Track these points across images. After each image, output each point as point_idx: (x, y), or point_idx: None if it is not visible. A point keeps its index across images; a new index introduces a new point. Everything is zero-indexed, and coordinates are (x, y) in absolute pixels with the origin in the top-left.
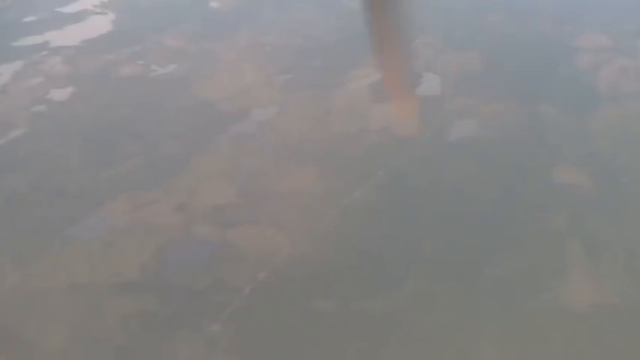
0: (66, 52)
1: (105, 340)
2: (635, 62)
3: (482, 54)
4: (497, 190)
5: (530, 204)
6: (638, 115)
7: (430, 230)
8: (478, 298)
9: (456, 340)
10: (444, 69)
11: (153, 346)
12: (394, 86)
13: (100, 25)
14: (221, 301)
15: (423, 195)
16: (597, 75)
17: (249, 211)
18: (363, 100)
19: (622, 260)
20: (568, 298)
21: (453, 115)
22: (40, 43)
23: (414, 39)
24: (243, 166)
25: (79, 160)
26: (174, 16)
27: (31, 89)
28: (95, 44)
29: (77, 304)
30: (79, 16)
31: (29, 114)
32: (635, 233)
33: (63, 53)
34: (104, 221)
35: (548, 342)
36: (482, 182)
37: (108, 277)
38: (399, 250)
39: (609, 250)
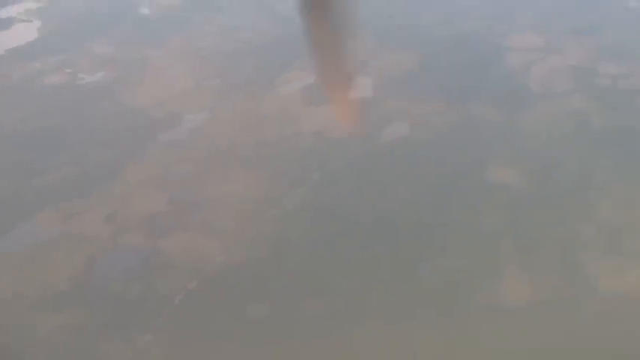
0: None
1: (33, 355)
2: (566, 61)
3: (416, 55)
4: (430, 190)
5: (463, 203)
6: (569, 113)
7: (365, 232)
8: (413, 298)
9: (391, 340)
10: (378, 70)
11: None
12: (328, 88)
13: (26, 32)
14: (152, 311)
15: (357, 196)
16: (529, 74)
17: (181, 218)
18: (295, 104)
19: (555, 257)
20: (502, 296)
21: (386, 117)
22: None
23: (349, 41)
24: (175, 172)
25: (6, 171)
26: (104, 23)
27: None
28: (21, 53)
29: (3, 318)
30: (3, 24)
31: None
32: (567, 230)
33: None
34: (32, 232)
35: (482, 339)
36: (415, 183)
37: (36, 289)
38: (333, 253)
39: (542, 247)
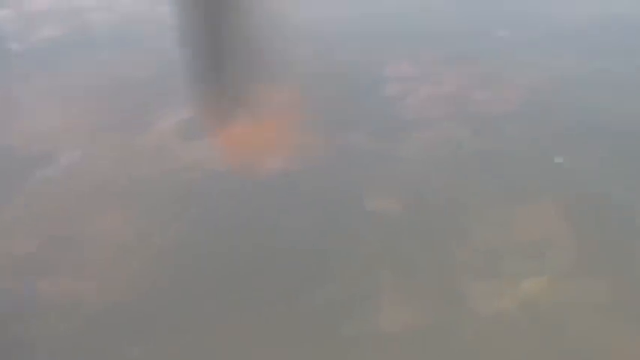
0: None
1: None
2: (440, 89)
3: (292, 88)
4: (309, 220)
5: (343, 233)
6: (444, 139)
7: (246, 265)
8: (292, 328)
9: None
10: (254, 105)
11: None
12: (206, 123)
13: None
14: (22, 357)
15: (238, 230)
16: (405, 103)
17: (53, 258)
18: (172, 138)
19: (433, 281)
20: (381, 322)
21: (264, 149)
22: None
23: (226, 76)
24: (47, 212)
25: None
26: None
27: None
28: None
29: None
30: None
31: None
32: (444, 254)
33: None
34: None
35: None
36: (295, 214)
37: None
38: (214, 289)
39: (420, 272)
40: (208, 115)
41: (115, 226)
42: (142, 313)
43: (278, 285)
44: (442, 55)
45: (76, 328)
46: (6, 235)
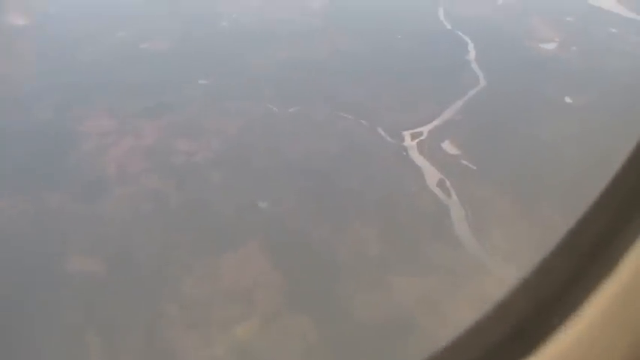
0: None
1: None
2: (141, 141)
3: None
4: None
5: (43, 298)
6: (146, 194)
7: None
8: None
9: None
10: None
11: None
12: None
13: None
14: None
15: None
16: (105, 158)
17: None
18: None
19: (141, 339)
20: None
21: None
22: None
23: None
24: None
25: None
26: None
27: None
28: None
29: None
30: None
31: None
32: (152, 310)
33: None
34: None
35: None
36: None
37: None
38: None
39: (128, 331)
40: None
41: None
42: None
43: None
44: (143, 106)
45: None
46: None
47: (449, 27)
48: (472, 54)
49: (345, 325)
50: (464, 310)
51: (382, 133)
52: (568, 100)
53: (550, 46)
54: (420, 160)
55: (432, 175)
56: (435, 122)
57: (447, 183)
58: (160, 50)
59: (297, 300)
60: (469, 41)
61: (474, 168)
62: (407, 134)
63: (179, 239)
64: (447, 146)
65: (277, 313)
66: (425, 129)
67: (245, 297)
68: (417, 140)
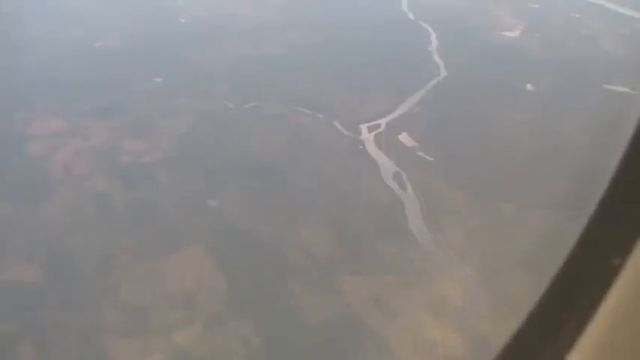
0: None
1: None
2: (89, 142)
3: None
4: None
5: None
6: (91, 195)
7: None
8: None
9: None
10: None
11: None
12: None
13: None
14: None
15: None
16: (51, 160)
17: None
18: None
19: (77, 346)
20: None
21: None
22: None
23: None
24: None
25: None
26: None
27: None
28: None
29: None
30: None
31: None
32: (89, 316)
33: None
34: None
35: None
36: None
37: None
38: None
39: (65, 340)
40: None
41: None
42: None
43: None
44: (94, 106)
45: None
46: None
47: (412, 17)
48: (434, 44)
49: (290, 329)
50: (416, 310)
51: (339, 126)
52: (529, 87)
53: (513, 34)
54: (376, 153)
55: (388, 168)
56: (394, 114)
57: (403, 176)
58: (115, 48)
59: (241, 303)
60: (432, 31)
61: (431, 159)
62: (364, 127)
63: (122, 243)
64: (405, 138)
65: (220, 317)
66: (383, 121)
67: (187, 301)
68: (374, 133)
